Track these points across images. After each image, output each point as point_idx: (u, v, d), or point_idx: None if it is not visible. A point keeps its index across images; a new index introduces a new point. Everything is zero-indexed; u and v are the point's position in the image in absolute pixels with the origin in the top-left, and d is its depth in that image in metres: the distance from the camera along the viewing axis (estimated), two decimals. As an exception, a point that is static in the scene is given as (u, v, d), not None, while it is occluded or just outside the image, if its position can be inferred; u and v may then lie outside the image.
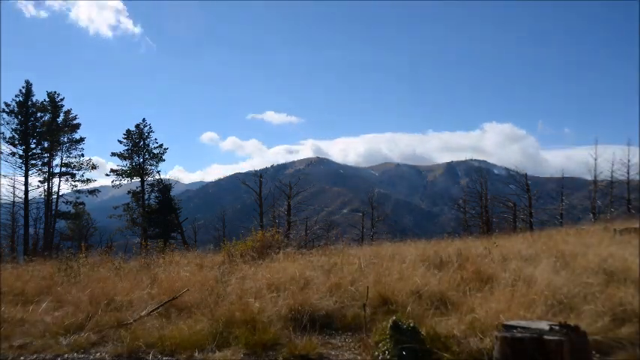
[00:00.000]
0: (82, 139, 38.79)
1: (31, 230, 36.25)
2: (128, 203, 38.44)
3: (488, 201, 34.87)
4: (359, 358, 4.92)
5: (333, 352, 5.09)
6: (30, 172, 36.28)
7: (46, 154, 37.28)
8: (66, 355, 5.27)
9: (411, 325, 4.67)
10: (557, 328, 3.83)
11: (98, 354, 5.27)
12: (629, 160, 31.62)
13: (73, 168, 38.48)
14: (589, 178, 33.18)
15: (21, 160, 35.96)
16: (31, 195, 36.13)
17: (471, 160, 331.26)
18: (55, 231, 37.76)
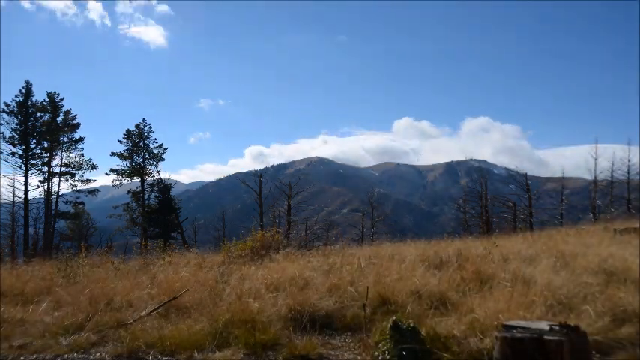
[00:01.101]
0: (81, 139, 38.89)
1: (31, 230, 36.27)
2: (128, 203, 38.45)
3: (488, 201, 34.85)
4: (359, 358, 4.92)
5: (333, 352, 5.09)
6: (30, 172, 36.31)
7: (46, 154, 37.29)
8: (66, 355, 5.27)
9: (411, 325, 4.66)
10: (557, 328, 3.83)
11: (98, 354, 5.27)
12: (629, 160, 31.67)
13: (73, 168, 38.52)
14: (589, 178, 33.20)
15: (21, 160, 35.99)
16: (31, 195, 36.18)
17: (471, 160, 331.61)
18: (55, 231, 37.74)
